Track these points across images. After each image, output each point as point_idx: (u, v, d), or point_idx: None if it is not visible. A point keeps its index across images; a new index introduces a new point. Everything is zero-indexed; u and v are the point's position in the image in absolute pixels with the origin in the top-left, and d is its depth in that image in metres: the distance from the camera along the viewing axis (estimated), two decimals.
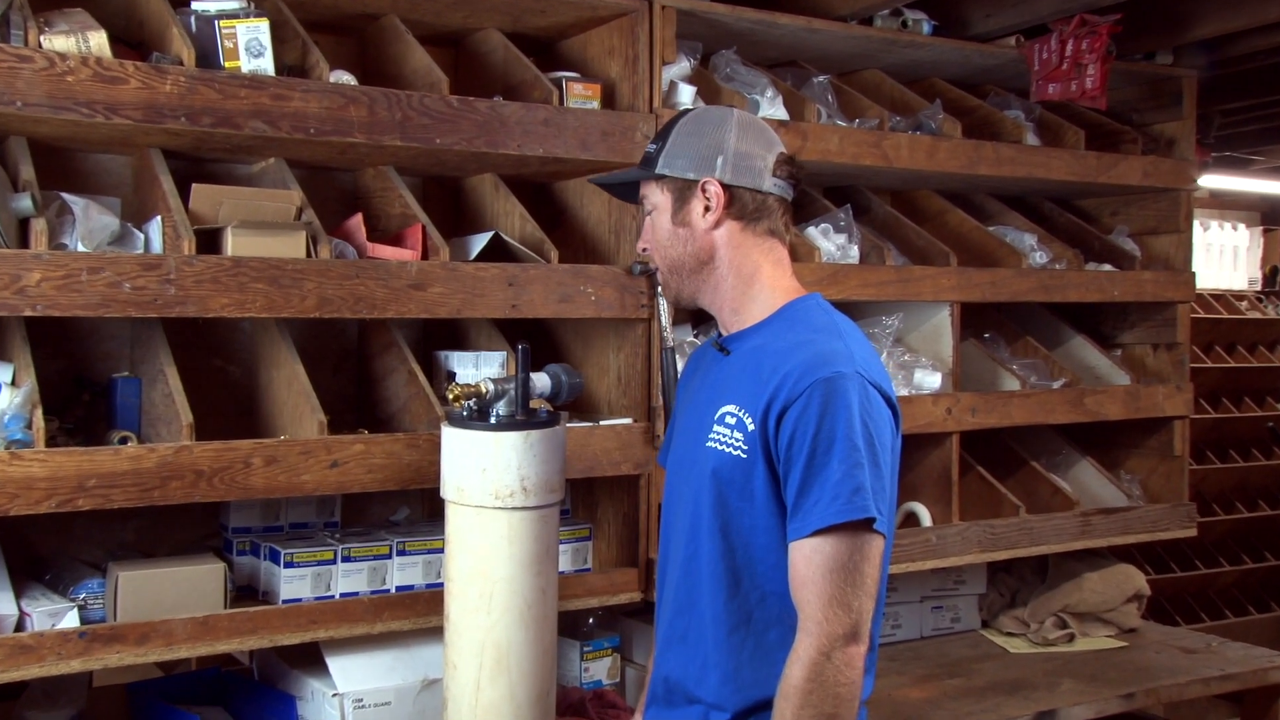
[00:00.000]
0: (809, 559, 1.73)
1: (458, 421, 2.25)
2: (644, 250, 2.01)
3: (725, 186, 1.89)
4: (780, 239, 1.95)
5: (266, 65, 2.44)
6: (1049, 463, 3.79)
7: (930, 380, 3.31)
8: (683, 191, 1.91)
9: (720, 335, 1.99)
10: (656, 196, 1.94)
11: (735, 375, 1.88)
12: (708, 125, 1.92)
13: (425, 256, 2.60)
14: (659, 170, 1.92)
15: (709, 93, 3.07)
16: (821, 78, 3.39)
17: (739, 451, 1.81)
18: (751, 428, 1.80)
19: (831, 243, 3.22)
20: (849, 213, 3.32)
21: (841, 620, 1.70)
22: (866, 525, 1.72)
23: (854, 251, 3.24)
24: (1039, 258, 3.63)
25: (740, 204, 1.90)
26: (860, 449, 1.72)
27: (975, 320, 3.70)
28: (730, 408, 1.84)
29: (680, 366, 2.90)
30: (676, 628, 1.93)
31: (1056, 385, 3.60)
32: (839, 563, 1.71)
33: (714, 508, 1.84)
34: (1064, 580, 3.68)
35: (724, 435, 1.84)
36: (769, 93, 3.14)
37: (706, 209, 1.90)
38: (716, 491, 1.84)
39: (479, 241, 2.75)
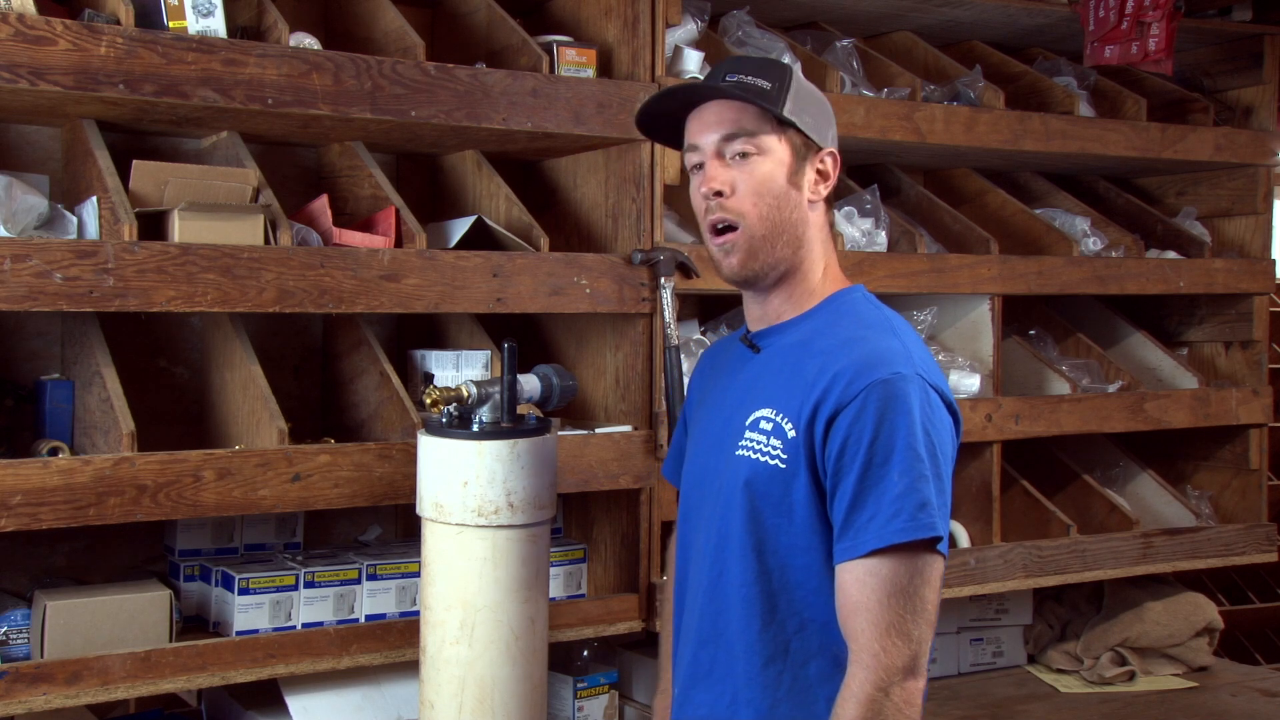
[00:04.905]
0: (862, 582, 1.72)
1: (436, 429, 2.26)
2: (716, 195, 1.85)
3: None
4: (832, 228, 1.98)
5: (217, 26, 2.46)
6: (1104, 476, 3.80)
7: (968, 383, 3.32)
8: (801, 151, 1.87)
9: (747, 330, 1.97)
10: (771, 142, 1.84)
11: (770, 375, 1.87)
12: (814, 89, 1.91)
13: (399, 244, 2.61)
14: (788, 114, 1.84)
15: (718, 59, 3.08)
16: (845, 41, 3.41)
17: (777, 461, 1.80)
18: (792, 434, 1.79)
19: (856, 228, 3.24)
20: (876, 194, 3.34)
21: (901, 651, 1.70)
22: (928, 545, 1.71)
23: (881, 238, 3.26)
24: (1093, 244, 3.64)
25: (836, 185, 1.93)
26: (924, 460, 1.72)
27: (1019, 315, 3.72)
28: (766, 412, 1.83)
29: (686, 366, 2.92)
30: (702, 662, 1.91)
31: (1112, 389, 3.61)
32: (897, 586, 1.70)
33: (746, 524, 1.83)
34: (1122, 610, 3.69)
35: (759, 443, 1.83)
36: (786, 58, 3.16)
37: (819, 180, 1.89)
38: (750, 506, 1.83)
39: (460, 227, 2.76)
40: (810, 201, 1.88)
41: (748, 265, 1.87)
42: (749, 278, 1.88)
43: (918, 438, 1.72)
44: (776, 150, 1.85)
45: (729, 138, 1.85)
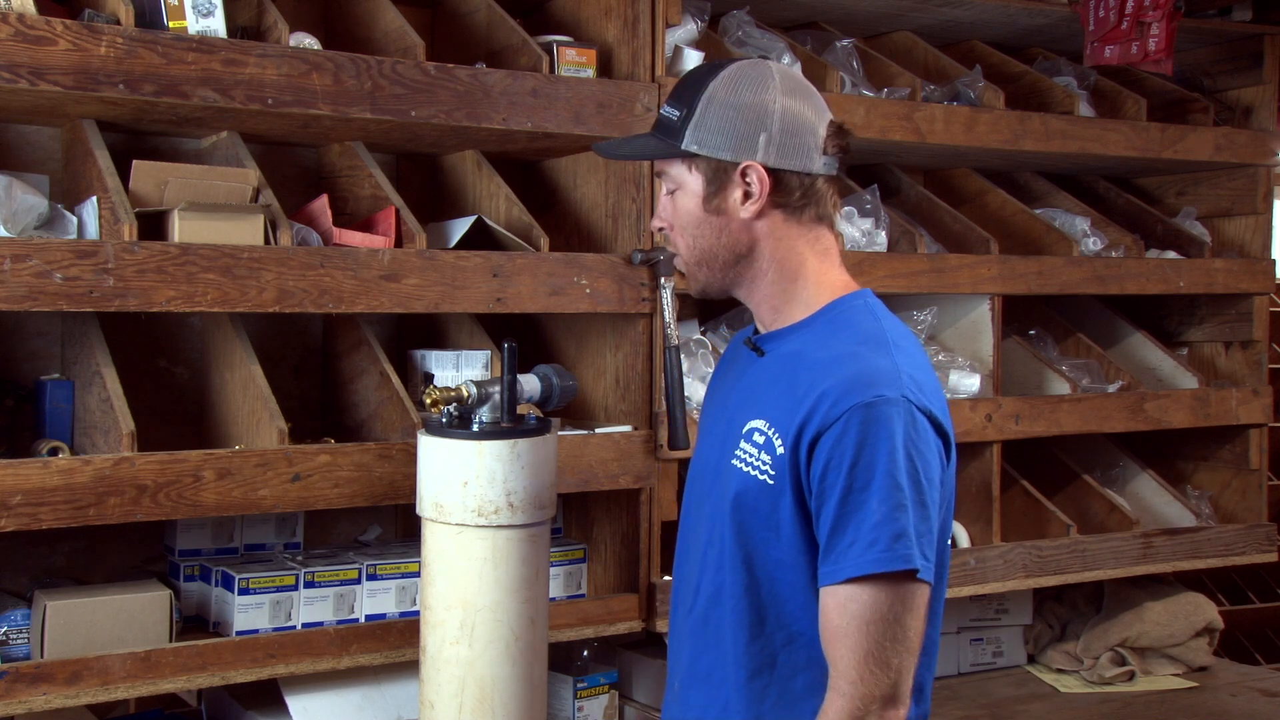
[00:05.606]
0: (842, 607, 1.70)
1: (436, 429, 2.27)
2: (661, 230, 1.92)
3: (770, 171, 1.80)
4: (829, 224, 1.89)
5: (217, 26, 2.46)
6: (1104, 476, 3.80)
7: (968, 383, 3.32)
8: (717, 174, 1.82)
9: (755, 332, 1.96)
10: (683, 175, 1.85)
11: (768, 383, 1.85)
12: (745, 89, 1.81)
13: (399, 244, 2.61)
14: (686, 147, 1.82)
15: (718, 59, 3.08)
16: (845, 41, 3.41)
17: (765, 477, 1.79)
18: (781, 451, 1.77)
19: (856, 228, 3.24)
20: (876, 194, 3.34)
21: (879, 680, 1.68)
22: (909, 575, 1.69)
23: (881, 238, 3.26)
24: (1093, 244, 3.64)
25: (786, 190, 1.82)
26: (904, 488, 1.69)
27: (1019, 315, 3.72)
28: (760, 423, 1.81)
29: (686, 366, 2.92)
30: (700, 665, 1.90)
31: (1112, 389, 3.61)
32: (877, 614, 1.68)
33: (737, 537, 1.82)
34: (1122, 610, 3.69)
35: (750, 455, 1.81)
36: (786, 59, 3.16)
37: (746, 196, 1.81)
38: (739, 519, 1.82)
39: (460, 227, 2.76)
40: (749, 219, 1.83)
41: (694, 285, 1.92)
42: (703, 295, 1.93)
43: (899, 465, 1.69)
44: (689, 182, 1.85)
45: (659, 174, 1.92)
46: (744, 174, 1.81)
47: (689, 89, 1.85)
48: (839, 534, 1.70)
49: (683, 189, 1.86)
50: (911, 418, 1.72)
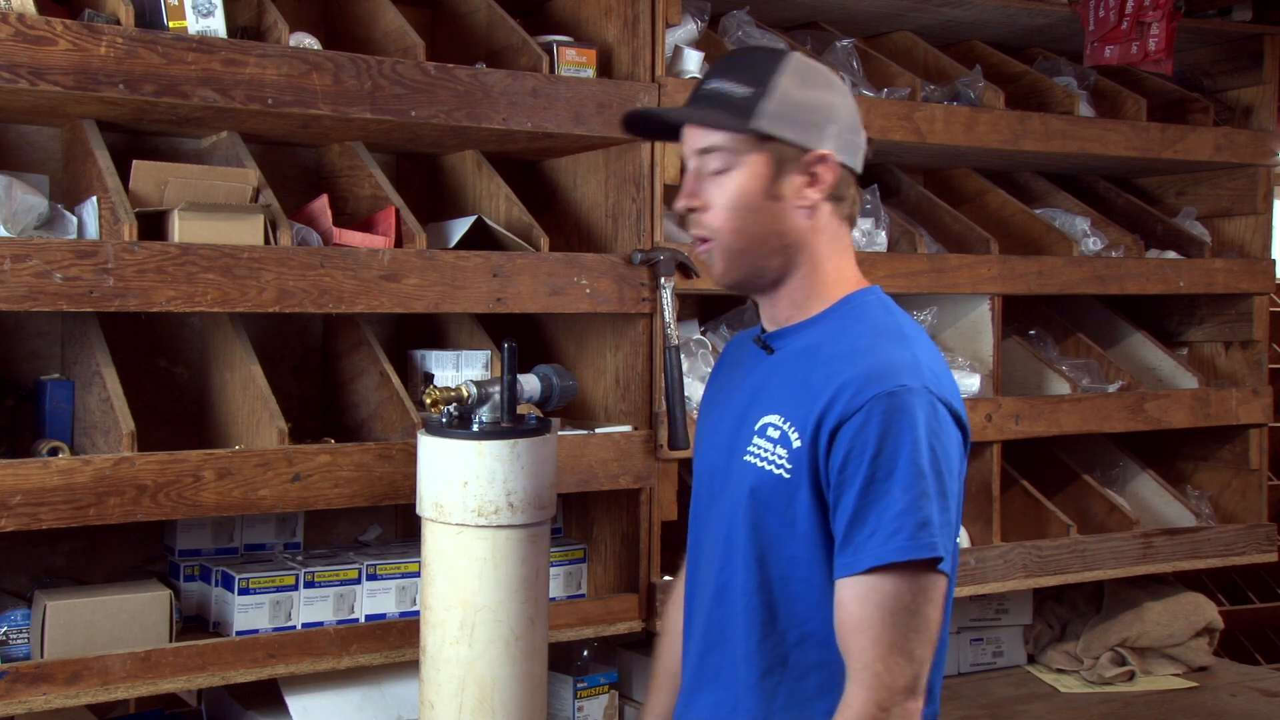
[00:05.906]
0: (863, 598, 1.69)
1: (436, 429, 2.27)
2: (688, 210, 1.83)
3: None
4: (852, 223, 1.89)
5: (217, 26, 2.46)
6: (1104, 476, 3.80)
7: (968, 383, 3.32)
8: (784, 159, 1.77)
9: (763, 330, 1.93)
10: (744, 155, 1.78)
11: (780, 379, 1.84)
12: (817, 80, 1.80)
13: (399, 244, 2.61)
14: (763, 127, 1.76)
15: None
16: (845, 41, 3.41)
17: (782, 471, 1.77)
18: (797, 444, 1.76)
19: (856, 228, 3.24)
20: (876, 194, 3.34)
21: (903, 670, 1.67)
22: (931, 565, 1.68)
23: (881, 238, 3.26)
24: (1093, 244, 3.65)
25: (839, 184, 1.81)
26: (927, 477, 1.68)
27: (1019, 315, 3.72)
28: (773, 418, 1.80)
29: (686, 366, 2.92)
30: (708, 666, 1.90)
31: (1112, 389, 3.61)
32: (900, 604, 1.67)
33: (750, 533, 1.81)
34: (1122, 610, 3.70)
35: (765, 450, 1.80)
36: None
37: (810, 184, 1.79)
38: (753, 515, 1.80)
39: (460, 227, 2.76)
40: (800, 208, 1.80)
41: (729, 274, 1.84)
42: (735, 285, 1.86)
43: (922, 453, 1.68)
44: (751, 163, 1.78)
45: (704, 152, 1.81)
46: (814, 162, 1.78)
47: (757, 68, 1.79)
48: (859, 524, 1.69)
49: (738, 169, 1.79)
50: (933, 408, 1.71)
